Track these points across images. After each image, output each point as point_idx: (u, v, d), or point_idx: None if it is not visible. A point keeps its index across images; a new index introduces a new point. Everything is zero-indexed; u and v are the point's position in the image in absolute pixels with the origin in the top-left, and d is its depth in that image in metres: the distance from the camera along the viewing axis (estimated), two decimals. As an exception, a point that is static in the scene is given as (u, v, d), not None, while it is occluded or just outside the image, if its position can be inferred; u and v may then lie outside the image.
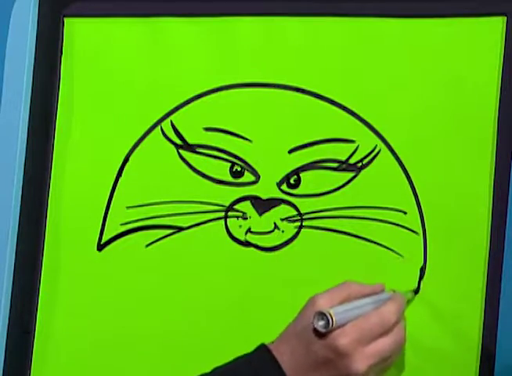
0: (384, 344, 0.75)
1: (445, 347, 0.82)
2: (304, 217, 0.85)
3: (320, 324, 0.73)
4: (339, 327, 0.73)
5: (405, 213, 0.84)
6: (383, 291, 0.80)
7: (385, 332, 0.75)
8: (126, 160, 0.89)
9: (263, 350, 0.76)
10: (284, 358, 0.75)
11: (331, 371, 0.73)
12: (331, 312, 0.73)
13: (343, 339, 0.73)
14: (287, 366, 0.74)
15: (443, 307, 0.82)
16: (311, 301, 0.76)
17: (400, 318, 0.77)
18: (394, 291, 0.80)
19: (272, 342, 0.77)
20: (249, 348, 0.83)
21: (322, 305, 0.75)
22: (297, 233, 0.85)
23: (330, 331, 0.73)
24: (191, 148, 0.88)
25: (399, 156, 0.84)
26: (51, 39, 0.90)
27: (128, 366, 0.88)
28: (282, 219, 0.85)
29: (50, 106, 0.90)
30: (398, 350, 0.78)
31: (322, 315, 0.73)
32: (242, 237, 0.86)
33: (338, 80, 0.86)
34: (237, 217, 0.86)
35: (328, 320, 0.72)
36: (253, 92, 0.87)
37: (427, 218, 0.83)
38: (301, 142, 0.86)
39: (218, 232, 0.86)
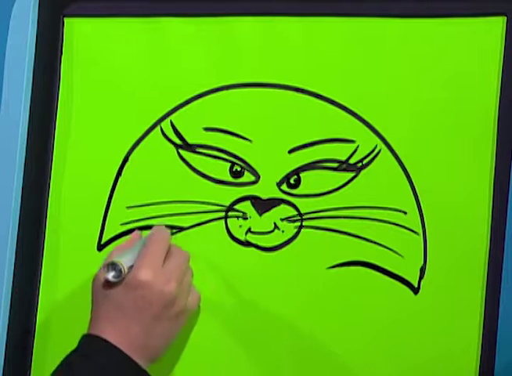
0: (174, 258, 0.80)
1: (445, 347, 0.82)
2: (304, 217, 0.85)
3: (113, 274, 0.76)
4: (129, 269, 0.77)
5: (405, 213, 0.84)
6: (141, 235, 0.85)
7: (167, 254, 0.80)
8: (126, 160, 0.89)
9: (87, 338, 0.78)
10: (108, 333, 0.77)
11: (150, 308, 0.76)
12: (118, 260, 0.76)
13: (141, 273, 0.76)
14: (115, 338, 0.76)
15: (443, 307, 0.82)
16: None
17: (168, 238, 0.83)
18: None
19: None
20: (249, 346, 0.84)
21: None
22: (297, 233, 0.85)
23: (124, 277, 0.76)
24: (191, 148, 0.88)
25: (399, 156, 0.84)
26: (51, 39, 0.90)
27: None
28: (282, 219, 0.85)
29: (50, 106, 0.90)
30: (188, 264, 0.83)
31: (111, 266, 0.76)
32: (242, 237, 0.86)
33: (338, 80, 0.86)
34: (237, 217, 0.86)
35: (119, 269, 0.76)
36: (253, 92, 0.87)
37: (427, 218, 0.83)
38: (301, 142, 0.86)
39: (218, 232, 0.86)
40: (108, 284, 0.78)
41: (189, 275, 0.83)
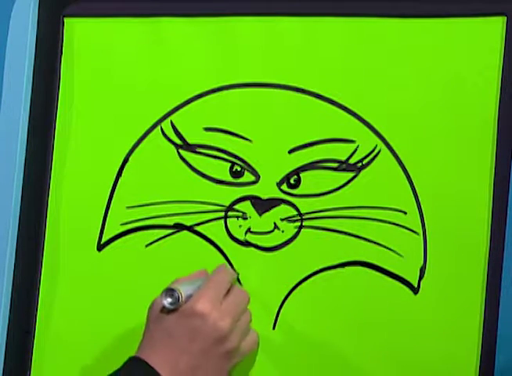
0: (234, 297, 0.79)
1: (445, 347, 0.82)
2: (304, 217, 0.85)
3: (169, 301, 0.75)
4: (187, 298, 0.76)
5: (405, 213, 0.84)
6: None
7: (228, 291, 0.79)
8: (126, 160, 0.89)
9: (132, 361, 0.77)
10: (155, 359, 0.76)
11: (202, 341, 0.75)
12: (177, 287, 0.75)
13: (199, 303, 0.76)
14: (160, 366, 0.75)
15: (443, 307, 0.82)
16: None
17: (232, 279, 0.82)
18: None
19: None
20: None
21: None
22: (297, 233, 0.85)
23: (180, 306, 0.76)
24: (191, 148, 0.88)
25: (399, 156, 0.84)
26: (51, 39, 0.90)
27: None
28: (282, 219, 0.85)
29: (50, 106, 0.90)
30: (246, 305, 0.81)
31: (169, 292, 0.75)
32: (242, 237, 0.86)
33: (338, 80, 0.86)
34: (237, 217, 0.86)
35: (177, 296, 0.75)
36: (253, 92, 0.87)
37: (427, 218, 0.83)
38: (301, 142, 0.86)
39: (217, 232, 0.86)
40: (163, 311, 0.77)
41: (247, 316, 0.81)
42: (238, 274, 0.85)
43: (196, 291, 0.77)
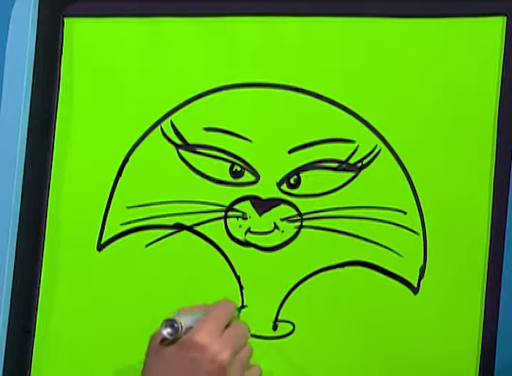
0: (234, 330, 0.77)
1: (445, 347, 0.82)
2: (304, 217, 0.85)
3: (169, 331, 0.73)
4: (188, 330, 0.74)
5: (405, 213, 0.84)
6: None
7: (228, 324, 0.77)
8: (126, 160, 0.89)
9: None
10: None
11: (200, 373, 0.73)
12: (177, 318, 0.74)
13: (198, 335, 0.74)
14: None
15: (443, 307, 0.82)
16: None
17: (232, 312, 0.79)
18: None
19: None
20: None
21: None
22: (297, 233, 0.85)
23: (180, 337, 0.74)
24: (191, 148, 0.88)
25: (399, 156, 0.84)
26: (51, 39, 0.90)
27: (128, 367, 0.88)
28: (282, 219, 0.85)
29: (50, 106, 0.90)
30: (247, 338, 0.79)
31: (169, 322, 0.74)
32: (242, 237, 0.86)
33: (338, 80, 0.86)
34: (237, 217, 0.86)
35: (176, 327, 0.73)
36: (253, 92, 0.87)
37: (427, 218, 0.83)
38: (301, 142, 0.86)
39: (217, 232, 0.86)
40: (163, 342, 0.75)
41: (247, 351, 0.79)
42: (239, 309, 0.84)
43: (197, 322, 0.76)
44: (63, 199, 0.90)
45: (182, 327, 0.74)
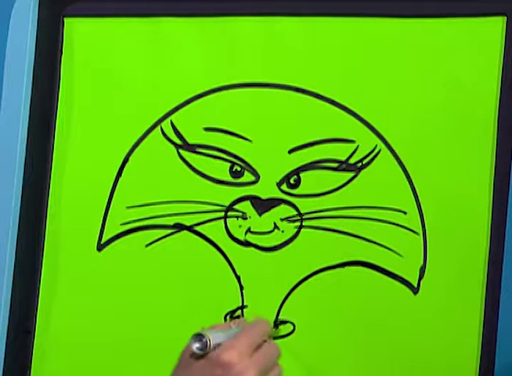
0: (265, 349, 0.74)
1: (445, 347, 0.82)
2: (304, 217, 0.85)
3: (197, 346, 0.72)
4: (217, 345, 0.73)
5: (405, 213, 0.84)
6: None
7: (261, 344, 0.74)
8: (126, 160, 0.89)
9: None
10: None
11: None
12: (207, 333, 0.72)
13: (226, 353, 0.72)
14: None
15: (443, 307, 0.82)
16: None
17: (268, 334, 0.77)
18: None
19: None
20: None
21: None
22: (297, 233, 0.85)
23: (209, 352, 0.72)
24: (191, 148, 0.88)
25: (399, 156, 0.84)
26: (51, 39, 0.90)
27: (128, 367, 0.88)
28: (282, 219, 0.85)
29: (50, 106, 0.90)
30: (277, 360, 0.76)
31: (198, 337, 0.73)
32: (242, 237, 0.86)
33: (338, 80, 0.86)
34: (237, 217, 0.86)
35: (205, 342, 0.72)
36: (253, 92, 0.87)
37: (427, 218, 0.83)
38: (301, 142, 0.86)
39: (217, 232, 0.86)
40: (193, 356, 0.73)
41: (277, 372, 0.76)
42: (274, 329, 0.82)
43: (228, 339, 0.74)
44: (63, 199, 0.90)
45: (210, 342, 0.73)
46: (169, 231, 0.88)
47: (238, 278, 0.86)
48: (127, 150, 0.89)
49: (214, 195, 0.87)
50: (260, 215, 0.85)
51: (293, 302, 0.85)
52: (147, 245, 0.88)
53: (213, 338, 0.73)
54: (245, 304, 0.86)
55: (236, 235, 0.86)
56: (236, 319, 0.81)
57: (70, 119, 0.91)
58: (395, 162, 0.84)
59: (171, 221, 0.88)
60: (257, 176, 0.86)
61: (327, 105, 0.86)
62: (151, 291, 0.88)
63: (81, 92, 0.91)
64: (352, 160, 0.85)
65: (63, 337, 0.89)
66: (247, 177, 0.86)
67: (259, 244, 0.86)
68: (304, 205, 0.85)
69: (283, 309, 0.85)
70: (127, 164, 0.89)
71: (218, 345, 0.73)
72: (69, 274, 0.89)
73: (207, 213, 0.87)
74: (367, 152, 0.85)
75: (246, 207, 0.86)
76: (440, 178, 0.83)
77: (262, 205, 0.85)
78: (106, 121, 0.90)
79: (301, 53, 0.86)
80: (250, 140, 0.87)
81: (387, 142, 0.84)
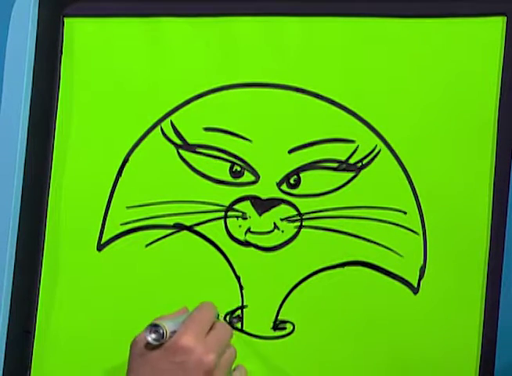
0: (217, 332, 0.77)
1: (445, 347, 0.82)
2: (304, 217, 0.85)
3: (154, 337, 0.74)
4: (172, 334, 0.75)
5: (405, 213, 0.84)
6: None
7: (211, 327, 0.78)
8: (126, 160, 0.89)
9: None
10: None
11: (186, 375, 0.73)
12: (161, 323, 0.74)
13: (183, 338, 0.74)
14: None
15: (443, 307, 0.82)
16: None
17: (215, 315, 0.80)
18: None
19: None
20: (249, 346, 0.84)
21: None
22: (297, 233, 0.85)
23: (165, 341, 0.74)
24: (191, 148, 0.88)
25: (399, 156, 0.84)
26: (51, 39, 0.90)
27: (128, 366, 0.88)
28: (282, 219, 0.85)
29: (50, 106, 0.90)
30: (229, 340, 0.80)
31: (153, 328, 0.74)
32: (242, 237, 0.86)
33: (338, 80, 0.86)
34: (237, 217, 0.86)
35: (161, 332, 0.74)
36: (253, 92, 0.87)
37: (427, 218, 0.83)
38: (301, 142, 0.86)
39: (217, 232, 0.86)
40: (147, 347, 0.75)
41: (231, 353, 0.79)
42: (219, 314, 0.85)
43: (180, 326, 0.76)
44: (63, 199, 0.90)
45: (166, 331, 0.74)
46: (169, 231, 0.88)
47: (238, 278, 0.86)
48: (127, 150, 0.89)
49: (214, 195, 0.87)
50: (260, 214, 0.85)
51: (293, 302, 0.85)
52: (147, 245, 0.88)
53: (167, 326, 0.74)
54: (245, 304, 0.86)
55: (236, 235, 0.86)
56: (179, 309, 0.83)
57: (70, 119, 0.91)
58: (395, 162, 0.84)
59: (171, 221, 0.88)
60: (257, 176, 0.86)
61: (327, 105, 0.86)
62: (151, 291, 0.88)
63: (80, 92, 0.91)
64: (352, 160, 0.85)
65: (63, 337, 0.89)
66: (247, 177, 0.86)
67: (259, 243, 0.86)
68: (304, 205, 0.85)
69: (282, 309, 0.85)
70: (127, 164, 0.89)
71: (172, 333, 0.74)
72: (69, 274, 0.89)
73: (207, 213, 0.87)
74: (367, 152, 0.85)
75: (246, 207, 0.86)
76: (440, 179, 0.83)
77: (262, 205, 0.85)
78: (106, 121, 0.90)
79: (301, 53, 0.86)
80: (250, 140, 0.87)
81: (387, 142, 0.84)
